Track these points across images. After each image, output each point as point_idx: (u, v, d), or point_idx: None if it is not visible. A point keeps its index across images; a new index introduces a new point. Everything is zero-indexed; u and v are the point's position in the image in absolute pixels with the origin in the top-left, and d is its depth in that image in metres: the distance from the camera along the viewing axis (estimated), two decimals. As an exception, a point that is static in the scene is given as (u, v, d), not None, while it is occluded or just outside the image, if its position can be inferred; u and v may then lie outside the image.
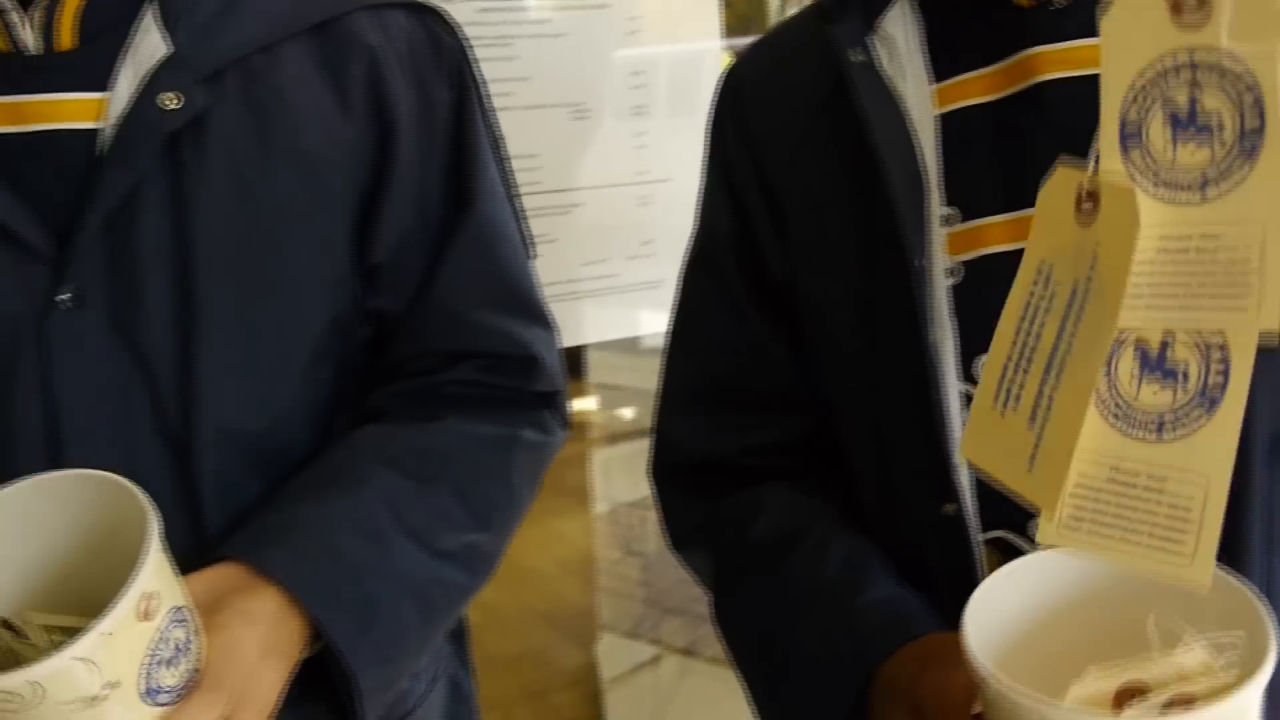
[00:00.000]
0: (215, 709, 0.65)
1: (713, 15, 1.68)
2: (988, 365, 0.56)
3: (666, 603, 3.30)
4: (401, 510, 0.80)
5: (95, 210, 0.74)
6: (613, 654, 2.75)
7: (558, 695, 2.64)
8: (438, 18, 0.88)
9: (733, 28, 1.74)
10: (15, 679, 0.57)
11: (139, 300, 0.75)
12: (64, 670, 0.58)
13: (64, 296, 0.74)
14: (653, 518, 3.55)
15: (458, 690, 0.96)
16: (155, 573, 0.61)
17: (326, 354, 0.83)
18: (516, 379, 0.89)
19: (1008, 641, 0.57)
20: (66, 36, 0.76)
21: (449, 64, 0.87)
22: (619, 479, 2.96)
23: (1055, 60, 0.74)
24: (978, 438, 0.56)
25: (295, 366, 0.81)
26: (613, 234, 1.59)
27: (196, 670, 0.66)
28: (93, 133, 0.75)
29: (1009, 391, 0.55)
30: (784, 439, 0.86)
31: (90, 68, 0.76)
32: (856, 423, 0.82)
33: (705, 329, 0.89)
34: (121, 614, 0.59)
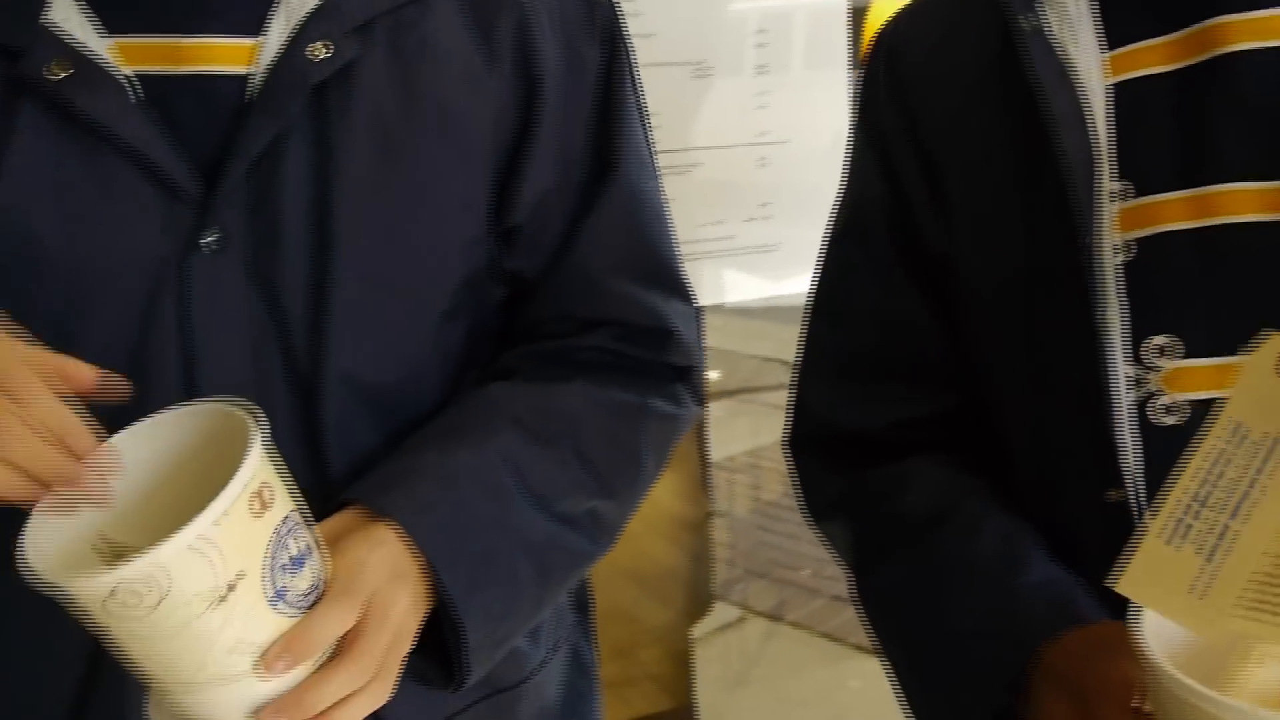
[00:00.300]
0: (348, 614, 0.66)
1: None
2: (1165, 505, 0.56)
3: (749, 565, 3.31)
4: (524, 468, 0.79)
5: (241, 156, 0.74)
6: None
7: (643, 652, 2.66)
8: None
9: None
10: (138, 566, 0.57)
11: (278, 247, 0.76)
12: (184, 556, 0.58)
13: (208, 239, 0.75)
14: (739, 480, 3.57)
15: (579, 660, 0.96)
16: (264, 469, 0.62)
17: (459, 312, 0.83)
18: (651, 350, 0.88)
19: (1177, 635, 0.56)
20: None
21: (600, 23, 0.86)
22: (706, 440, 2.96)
23: (1246, 30, 0.71)
24: (1141, 570, 0.56)
25: (426, 323, 0.82)
26: (730, 195, 1.57)
27: (323, 582, 0.66)
28: (243, 78, 0.76)
29: (1181, 526, 0.56)
30: (932, 413, 0.84)
31: (245, 13, 0.77)
32: (1012, 401, 0.80)
33: (852, 298, 0.88)
34: (232, 498, 0.59)
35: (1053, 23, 0.76)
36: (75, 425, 0.60)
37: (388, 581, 0.69)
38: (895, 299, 0.84)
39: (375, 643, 0.67)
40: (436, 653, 0.75)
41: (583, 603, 0.97)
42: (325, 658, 0.66)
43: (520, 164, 0.82)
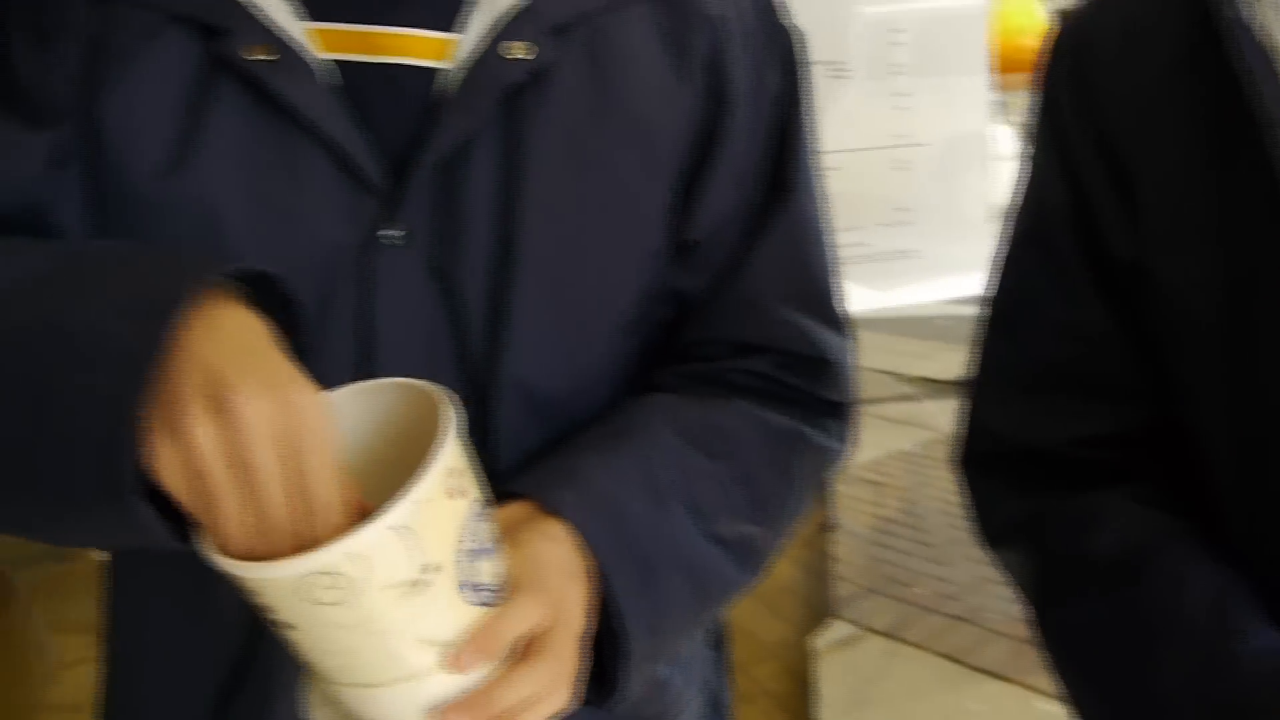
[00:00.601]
0: (542, 610, 0.64)
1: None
2: None
3: (867, 581, 3.24)
4: (685, 481, 0.78)
5: (430, 151, 0.74)
6: (815, 630, 2.70)
7: (760, 668, 2.61)
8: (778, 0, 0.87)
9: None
10: (334, 553, 0.55)
11: (460, 246, 0.76)
12: (383, 542, 0.56)
13: (392, 233, 0.74)
14: (857, 494, 3.51)
15: (716, 701, 0.93)
16: (458, 454, 0.60)
17: (634, 327, 0.82)
18: (808, 380, 0.86)
19: None
20: None
21: (785, 48, 0.86)
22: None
23: None
24: None
25: (602, 334, 0.81)
26: (866, 200, 1.53)
27: (505, 577, 0.64)
28: (433, 72, 0.76)
29: None
30: (1118, 431, 0.79)
31: (444, 8, 0.77)
32: (1218, 421, 0.74)
33: (1033, 309, 0.83)
34: (431, 482, 0.57)
35: (1255, 13, 0.70)
36: (335, 511, 0.58)
37: (565, 579, 0.68)
38: (1079, 309, 0.79)
39: (565, 643, 0.66)
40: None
41: (719, 640, 0.95)
42: (508, 658, 0.64)
43: (702, 181, 0.82)
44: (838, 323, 0.88)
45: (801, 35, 0.87)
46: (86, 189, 0.74)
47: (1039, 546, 0.81)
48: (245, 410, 0.56)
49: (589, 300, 0.79)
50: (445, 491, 0.58)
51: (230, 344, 0.58)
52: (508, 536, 0.67)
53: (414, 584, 0.57)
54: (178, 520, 0.60)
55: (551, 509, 0.71)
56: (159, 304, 0.58)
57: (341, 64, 0.75)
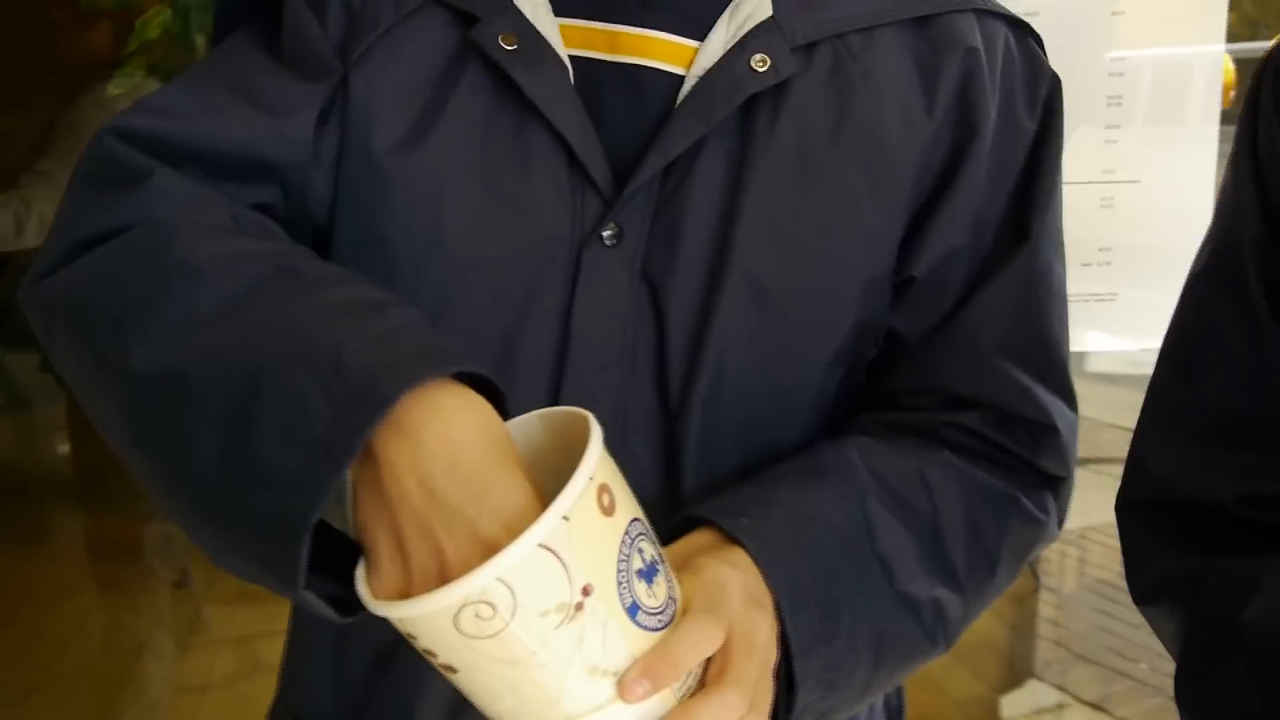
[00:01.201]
0: (714, 633, 0.60)
1: (1218, 16, 1.49)
2: None
3: (1077, 647, 3.05)
4: (878, 530, 0.73)
5: (660, 154, 0.74)
6: (1013, 692, 2.56)
7: (946, 724, 2.50)
8: (1038, 42, 0.83)
9: (1236, 32, 1.55)
10: (479, 579, 0.53)
11: (673, 254, 0.75)
12: (529, 562, 0.53)
13: (607, 231, 0.74)
14: (1068, 554, 3.31)
15: None
16: (606, 468, 0.57)
17: (841, 360, 0.78)
18: (1025, 446, 0.80)
19: None
20: None
21: (1041, 92, 0.82)
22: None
23: None
24: None
25: (810, 363, 0.78)
26: (1067, 236, 1.44)
27: (674, 600, 0.60)
28: (676, 78, 0.76)
29: None
30: None
31: (691, 14, 0.77)
32: None
33: (1213, 350, 0.76)
34: (578, 491, 0.54)
35: None
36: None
37: (746, 607, 0.64)
38: (1264, 353, 0.72)
39: (746, 670, 0.61)
40: None
41: (897, 710, 0.90)
42: (688, 688, 0.60)
43: (934, 214, 0.78)
44: (1065, 389, 0.82)
45: (1058, 80, 0.83)
46: (334, 152, 0.77)
47: (1186, 606, 0.74)
48: (451, 536, 0.56)
49: (800, 323, 0.76)
50: (597, 508, 0.56)
51: (438, 456, 0.58)
52: (686, 563, 0.64)
53: (573, 608, 0.54)
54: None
55: (733, 536, 0.67)
56: (362, 398, 0.58)
57: (583, 60, 0.76)
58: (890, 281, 0.79)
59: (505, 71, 0.74)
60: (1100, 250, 1.46)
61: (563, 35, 0.76)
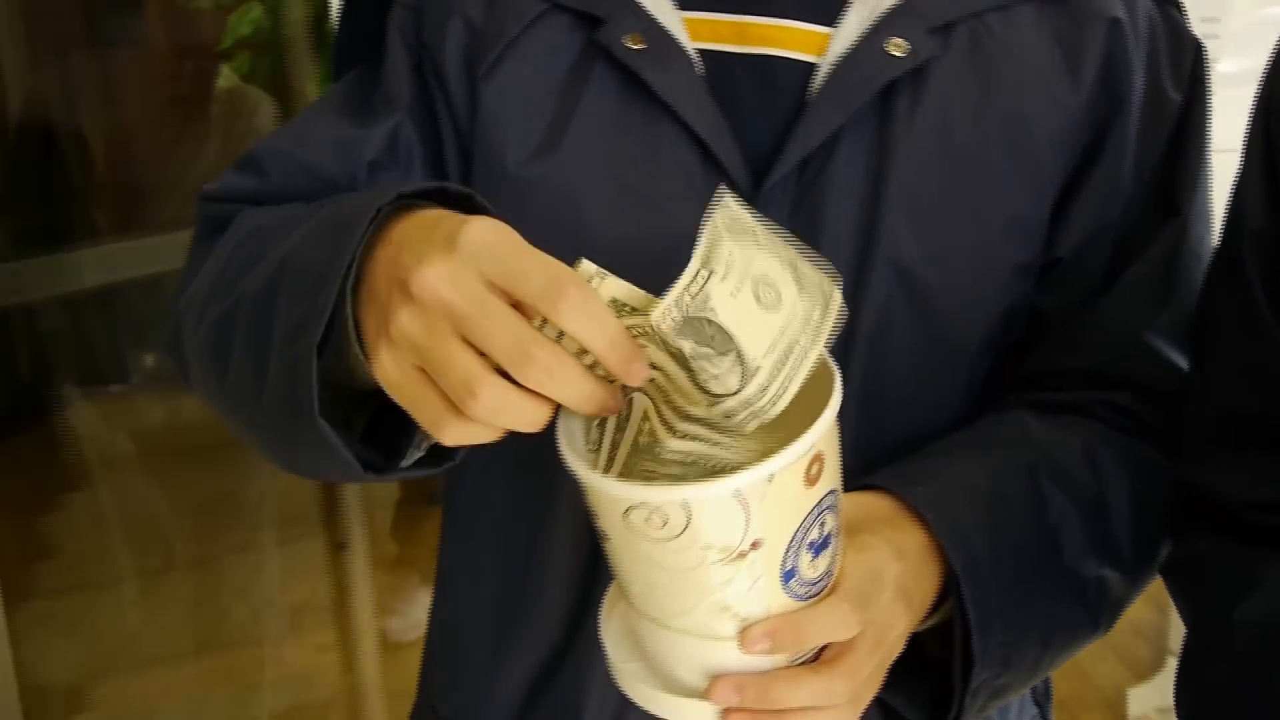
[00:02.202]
0: (850, 624, 0.60)
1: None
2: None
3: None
4: (1046, 503, 0.71)
5: (797, 143, 0.72)
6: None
7: (1086, 715, 2.40)
8: (1181, 11, 0.80)
9: None
10: (667, 496, 0.53)
11: (815, 241, 0.72)
12: (717, 502, 0.53)
13: None
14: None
15: None
16: (830, 438, 0.56)
17: (992, 346, 0.76)
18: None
19: None
20: None
21: (1186, 61, 0.78)
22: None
23: None
24: None
25: (959, 350, 0.76)
26: (1217, 204, 1.34)
27: (832, 574, 0.60)
28: (808, 66, 0.74)
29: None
30: None
31: (822, 1, 0.75)
32: None
33: (1217, 343, 0.72)
34: (789, 460, 0.53)
35: None
36: (629, 345, 0.54)
37: (892, 599, 0.63)
38: (1265, 350, 0.68)
39: (864, 663, 0.61)
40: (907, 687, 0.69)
41: (1045, 694, 0.88)
42: (802, 655, 0.60)
43: (1079, 192, 0.76)
44: None
45: (1202, 47, 0.79)
46: (438, 168, 0.78)
47: (1189, 598, 0.72)
48: (421, 275, 0.54)
49: (950, 312, 0.74)
50: (804, 477, 0.55)
51: (406, 237, 0.58)
52: (856, 534, 0.63)
53: (736, 553, 0.55)
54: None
55: (908, 502, 0.66)
56: (346, 229, 0.60)
57: (710, 53, 0.75)
58: (1039, 262, 0.76)
59: (634, 71, 0.73)
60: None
61: (689, 29, 0.75)
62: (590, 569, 0.76)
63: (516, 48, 0.76)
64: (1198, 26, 0.81)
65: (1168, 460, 0.76)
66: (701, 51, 0.75)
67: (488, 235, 0.54)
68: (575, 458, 0.56)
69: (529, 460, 0.77)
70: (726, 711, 0.58)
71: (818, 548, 0.57)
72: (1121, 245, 0.77)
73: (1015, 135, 0.74)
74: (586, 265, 0.55)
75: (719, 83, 0.74)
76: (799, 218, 0.73)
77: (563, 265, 0.53)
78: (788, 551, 0.56)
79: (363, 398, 0.65)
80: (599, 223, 0.73)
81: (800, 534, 0.56)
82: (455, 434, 0.55)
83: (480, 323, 0.53)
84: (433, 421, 0.56)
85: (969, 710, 0.67)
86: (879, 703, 0.68)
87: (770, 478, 0.53)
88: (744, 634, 0.57)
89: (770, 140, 0.73)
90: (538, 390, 0.53)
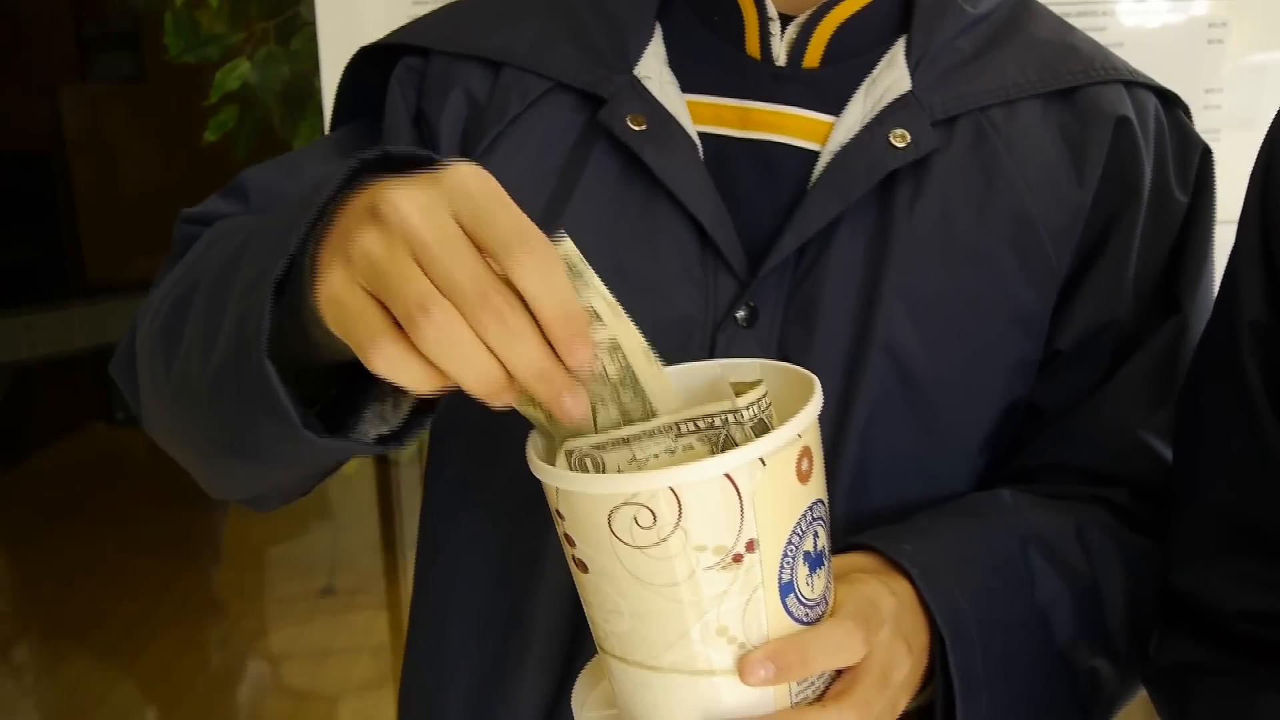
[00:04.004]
0: (855, 645, 0.57)
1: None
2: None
3: None
4: (1039, 580, 0.69)
5: (795, 232, 0.72)
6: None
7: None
8: (1188, 115, 0.81)
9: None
10: (651, 481, 0.50)
11: (810, 332, 0.73)
12: (708, 486, 0.50)
13: (741, 312, 0.73)
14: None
15: None
16: (813, 436, 0.55)
17: (988, 441, 0.76)
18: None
19: None
20: (814, 56, 0.76)
21: (1193, 163, 0.79)
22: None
23: None
24: None
25: (955, 446, 0.75)
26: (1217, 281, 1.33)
27: (827, 603, 0.57)
28: (810, 153, 0.75)
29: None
30: None
31: (827, 90, 0.76)
32: None
33: (1205, 440, 0.71)
34: (780, 443, 0.51)
35: None
36: (581, 320, 0.51)
37: (894, 638, 0.60)
38: (1261, 448, 0.66)
39: (870, 700, 0.58)
40: None
41: None
42: (804, 698, 0.57)
43: (1081, 286, 0.76)
44: None
45: (1209, 151, 0.80)
46: None
47: (1180, 713, 0.69)
48: (392, 196, 0.51)
49: (946, 405, 0.74)
50: (795, 469, 0.53)
51: (386, 183, 0.54)
52: (843, 576, 0.61)
53: (732, 558, 0.52)
54: None
55: (894, 558, 0.64)
56: (318, 190, 0.57)
57: (713, 137, 0.76)
58: (1039, 358, 0.76)
59: (634, 152, 0.73)
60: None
61: (692, 112, 0.76)
62: (567, 658, 0.74)
63: (518, 124, 0.77)
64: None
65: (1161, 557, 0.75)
66: (703, 135, 0.75)
67: (470, 177, 0.51)
68: (550, 467, 0.53)
69: (507, 548, 0.77)
70: None
71: (814, 562, 0.55)
72: (1121, 341, 0.77)
73: (1018, 229, 0.74)
74: (569, 246, 0.52)
75: (720, 167, 0.74)
76: (795, 304, 0.73)
77: (537, 229, 0.51)
78: (784, 558, 0.53)
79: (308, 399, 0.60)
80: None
81: (796, 539, 0.53)
82: (388, 356, 0.50)
83: (442, 256, 0.49)
84: (368, 337, 0.51)
85: None
86: None
87: (762, 462, 0.51)
88: (743, 660, 0.53)
89: (769, 226, 0.73)
90: (488, 340, 0.49)
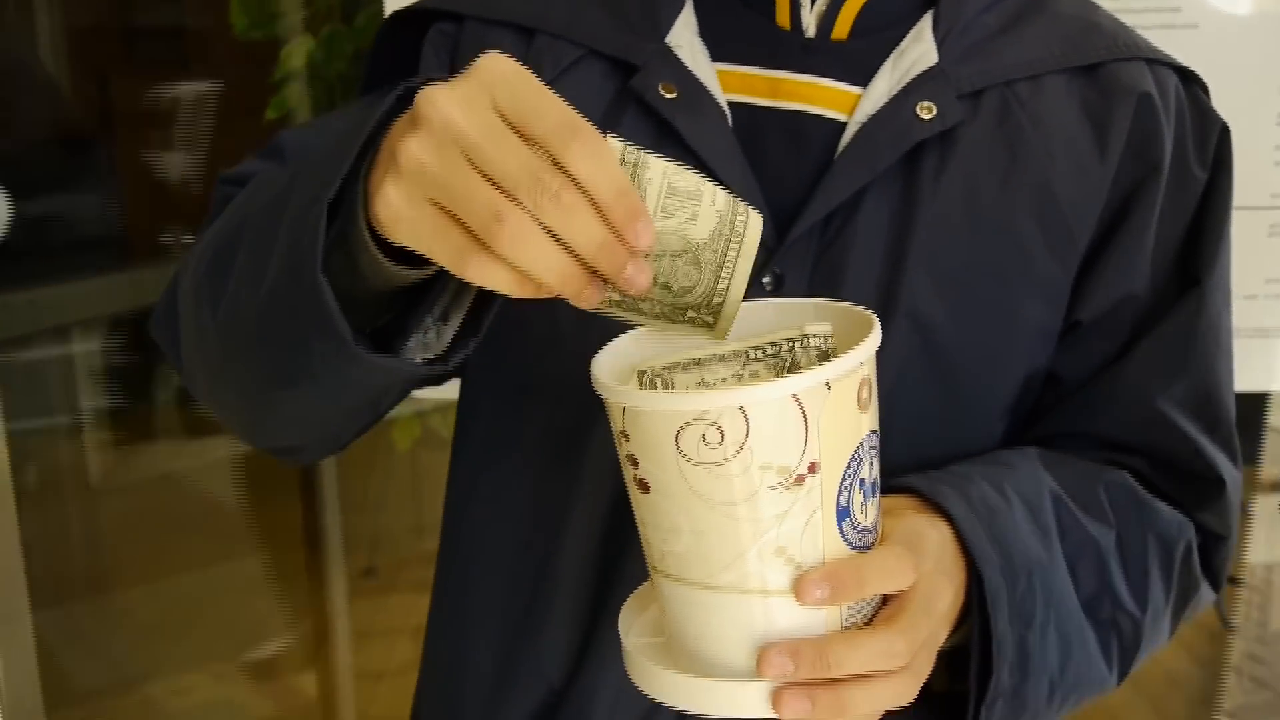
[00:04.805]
0: (906, 571, 0.59)
1: None
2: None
3: (1280, 689, 2.84)
4: (1067, 530, 0.72)
5: (822, 201, 0.74)
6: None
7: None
8: (1206, 94, 0.83)
9: None
10: (722, 399, 0.52)
11: (836, 294, 0.74)
12: (777, 406, 0.52)
13: (767, 278, 0.74)
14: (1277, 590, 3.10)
15: None
16: (872, 371, 0.57)
17: (1009, 408, 0.79)
18: (1187, 497, 0.79)
19: None
20: (843, 28, 0.78)
21: (1212, 140, 0.81)
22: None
23: None
24: None
25: (977, 413, 0.77)
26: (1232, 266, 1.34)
27: (877, 533, 0.60)
28: (837, 124, 0.76)
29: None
30: None
31: (855, 62, 0.78)
32: None
33: None
34: (848, 369, 0.54)
35: None
36: (635, 198, 0.53)
37: (936, 570, 0.63)
38: None
39: (918, 625, 0.60)
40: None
41: None
42: (854, 622, 0.59)
43: (1103, 258, 0.78)
44: (1231, 446, 0.81)
45: (1228, 129, 0.82)
46: None
47: None
48: (431, 94, 0.52)
49: (969, 371, 0.75)
50: (856, 397, 0.55)
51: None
52: (888, 513, 0.64)
53: (794, 479, 0.54)
54: None
55: (934, 502, 0.67)
56: (359, 125, 0.59)
57: (743, 106, 0.77)
58: (1059, 328, 0.78)
59: (665, 119, 0.75)
60: (1268, 282, 1.35)
61: (722, 81, 0.77)
62: (593, 610, 0.77)
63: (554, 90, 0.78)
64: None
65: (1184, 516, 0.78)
66: (733, 104, 0.77)
67: (506, 67, 0.53)
68: (620, 387, 0.55)
69: (535, 503, 0.79)
70: (778, 693, 0.56)
71: (868, 491, 0.57)
72: (1141, 314, 0.79)
73: (1043, 202, 0.76)
74: (614, 141, 0.54)
75: (749, 136, 0.76)
76: (821, 271, 0.75)
77: (581, 117, 0.52)
78: (843, 483, 0.55)
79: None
80: None
81: (854, 465, 0.56)
82: (477, 269, 0.53)
83: (492, 150, 0.51)
84: (457, 254, 0.53)
85: (992, 713, 0.67)
86: None
87: (828, 386, 0.53)
88: (800, 580, 0.55)
89: (796, 194, 0.75)
90: (549, 223, 0.51)
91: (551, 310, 0.70)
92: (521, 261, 0.51)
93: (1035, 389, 0.79)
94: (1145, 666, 0.75)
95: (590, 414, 0.73)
